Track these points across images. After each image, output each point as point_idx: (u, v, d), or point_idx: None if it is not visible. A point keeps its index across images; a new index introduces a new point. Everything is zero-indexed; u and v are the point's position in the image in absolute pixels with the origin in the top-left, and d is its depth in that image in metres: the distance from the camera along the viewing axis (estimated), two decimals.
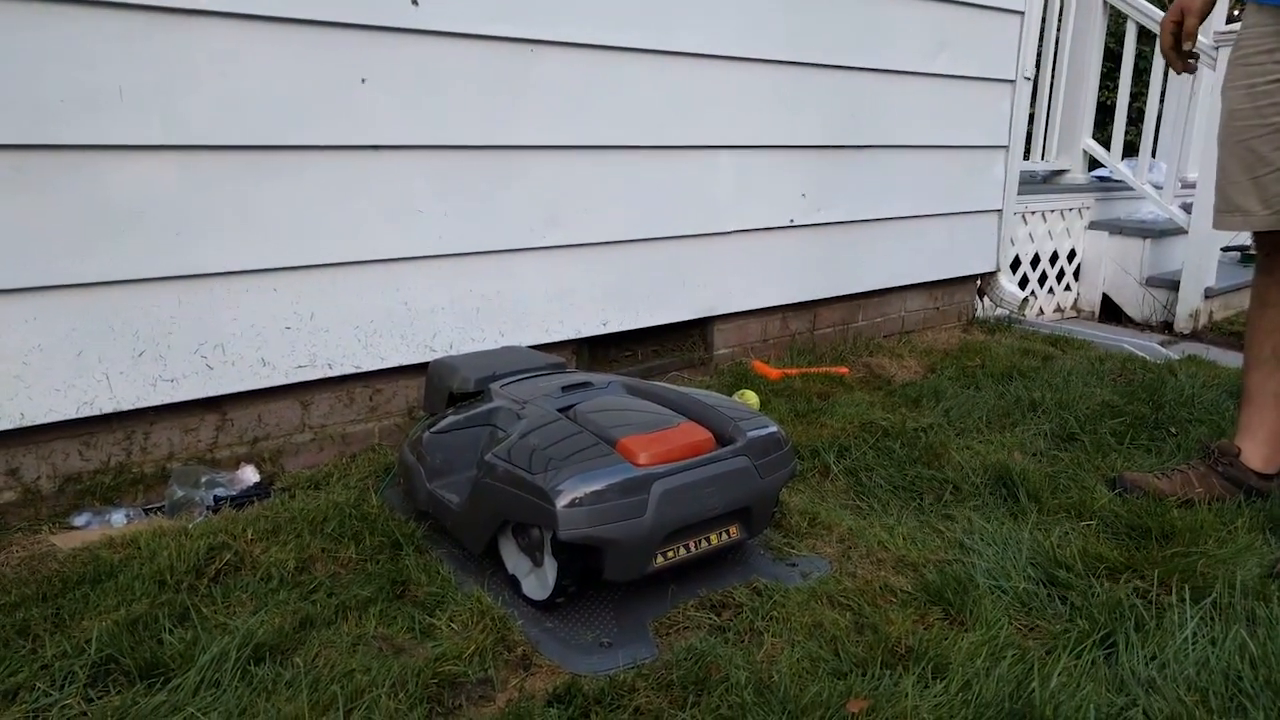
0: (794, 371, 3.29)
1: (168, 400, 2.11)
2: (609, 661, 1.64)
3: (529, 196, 2.60)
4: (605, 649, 1.68)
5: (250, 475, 2.23)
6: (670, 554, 1.74)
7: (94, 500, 2.09)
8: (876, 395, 3.14)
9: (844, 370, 3.38)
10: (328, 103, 2.20)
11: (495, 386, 2.11)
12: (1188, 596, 1.80)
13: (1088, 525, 2.17)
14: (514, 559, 1.85)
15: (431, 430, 2.04)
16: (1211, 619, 1.75)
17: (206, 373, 2.15)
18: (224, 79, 2.04)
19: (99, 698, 1.48)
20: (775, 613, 1.75)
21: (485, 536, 1.84)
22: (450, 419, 2.06)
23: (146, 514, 2.09)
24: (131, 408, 2.06)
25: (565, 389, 2.05)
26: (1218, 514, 2.21)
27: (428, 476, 2.00)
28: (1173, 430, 2.82)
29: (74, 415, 1.99)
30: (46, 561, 1.87)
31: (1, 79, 1.80)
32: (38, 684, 1.48)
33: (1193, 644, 1.66)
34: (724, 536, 1.83)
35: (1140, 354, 3.80)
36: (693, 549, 1.78)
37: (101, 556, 1.87)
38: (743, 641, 1.69)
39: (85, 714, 1.44)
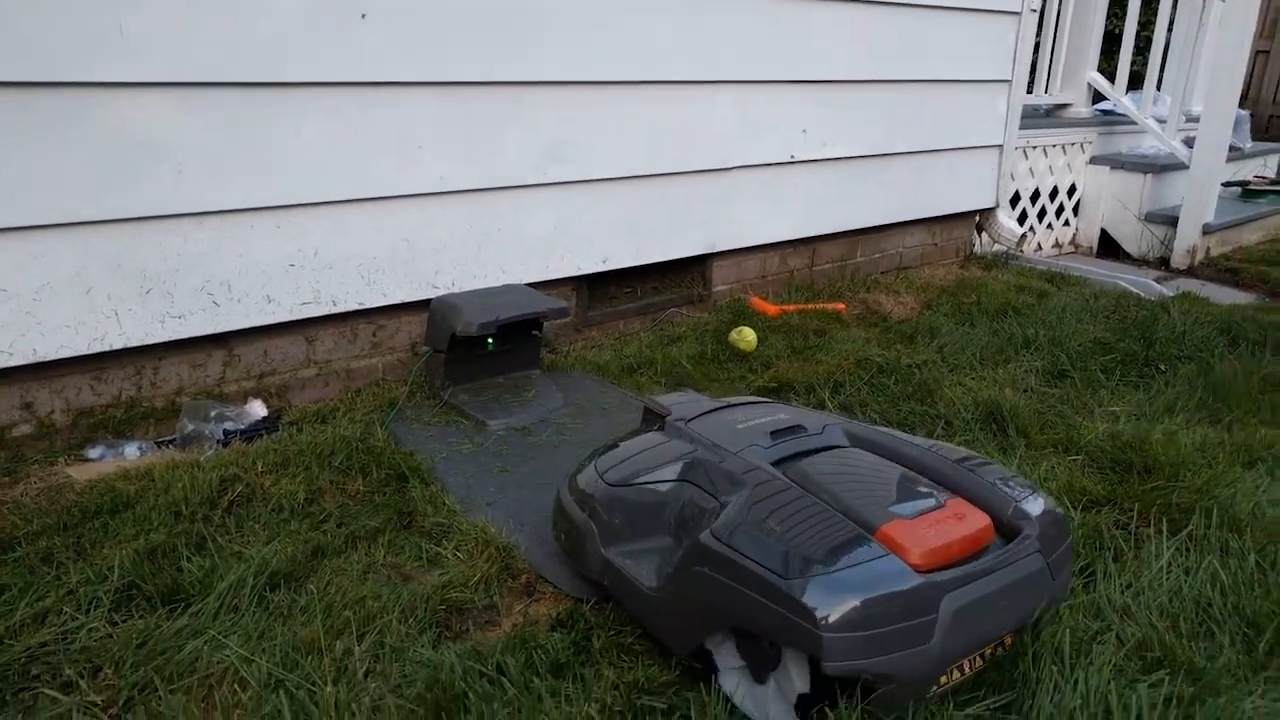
0: (792, 308, 3.33)
1: (176, 336, 2.15)
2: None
3: (531, 133, 2.61)
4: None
5: (258, 409, 2.29)
6: (944, 680, 1.31)
7: (106, 434, 2.15)
8: (872, 332, 3.18)
9: (841, 307, 3.42)
10: (329, 39, 2.19)
11: (680, 422, 1.71)
12: (1165, 529, 1.87)
13: (1074, 460, 2.24)
14: (728, 661, 1.41)
15: (607, 480, 1.63)
16: (1187, 550, 1.82)
17: (213, 309, 2.18)
18: (225, 14, 2.03)
19: (123, 621, 1.55)
20: None
21: (695, 636, 1.42)
22: (630, 464, 1.64)
23: (159, 447, 2.15)
24: (140, 344, 2.11)
25: (774, 434, 1.62)
26: (1200, 448, 2.27)
27: (603, 540, 1.59)
28: (1161, 367, 2.87)
29: (85, 351, 2.03)
30: (65, 493, 1.93)
31: (3, 16, 1.80)
32: (65, 608, 1.56)
33: (1167, 573, 1.73)
34: (999, 650, 1.40)
35: (1135, 290, 3.84)
36: (967, 670, 1.35)
37: (118, 488, 1.93)
38: None
39: (110, 636, 1.51)
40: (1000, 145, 4.18)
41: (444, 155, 2.45)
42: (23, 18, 1.81)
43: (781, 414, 1.71)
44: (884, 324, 3.28)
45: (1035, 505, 1.47)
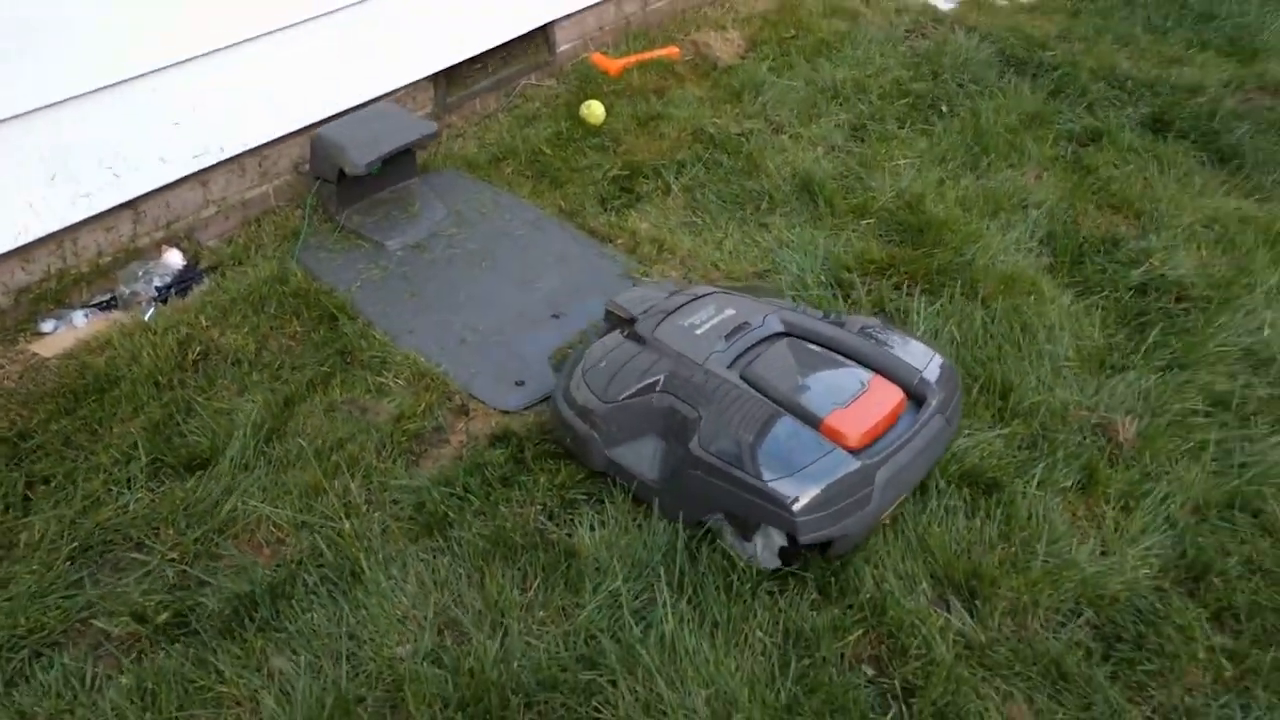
0: (632, 60, 3.58)
1: (89, 214, 2.34)
2: (525, 397, 2.26)
3: None
4: (520, 388, 2.30)
5: (176, 259, 2.55)
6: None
7: (47, 305, 2.40)
8: (704, 87, 3.52)
9: (675, 52, 3.69)
10: None
11: (648, 331, 2.02)
12: (930, 288, 2.53)
13: (868, 224, 2.82)
14: (722, 527, 1.88)
15: (604, 399, 1.95)
16: (944, 313, 2.48)
17: (115, 181, 2.36)
18: None
19: (159, 489, 2.00)
20: None
21: (694, 515, 1.88)
22: (618, 380, 1.96)
23: (101, 310, 2.43)
24: (61, 227, 2.30)
25: (728, 337, 1.98)
26: (960, 202, 2.89)
27: (605, 444, 1.96)
28: (944, 109, 3.40)
29: (13, 246, 2.23)
30: (42, 373, 2.25)
31: None
32: (111, 487, 1.99)
33: (926, 322, 2.40)
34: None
35: (934, 3, 4.22)
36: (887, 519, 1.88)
37: (89, 363, 2.26)
38: None
39: (155, 503, 1.97)
40: None
41: None
42: None
43: (729, 310, 2.07)
44: (714, 74, 3.61)
45: (934, 370, 1.92)
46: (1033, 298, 2.53)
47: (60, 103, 2.17)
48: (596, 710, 1.63)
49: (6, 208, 2.18)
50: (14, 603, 1.76)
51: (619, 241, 2.77)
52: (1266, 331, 2.46)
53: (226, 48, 2.43)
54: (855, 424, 1.79)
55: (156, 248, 2.56)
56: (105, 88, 2.23)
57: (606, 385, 1.96)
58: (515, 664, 1.69)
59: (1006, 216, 2.86)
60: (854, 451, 1.76)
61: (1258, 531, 2.00)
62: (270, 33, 2.52)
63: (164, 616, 1.76)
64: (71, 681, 1.65)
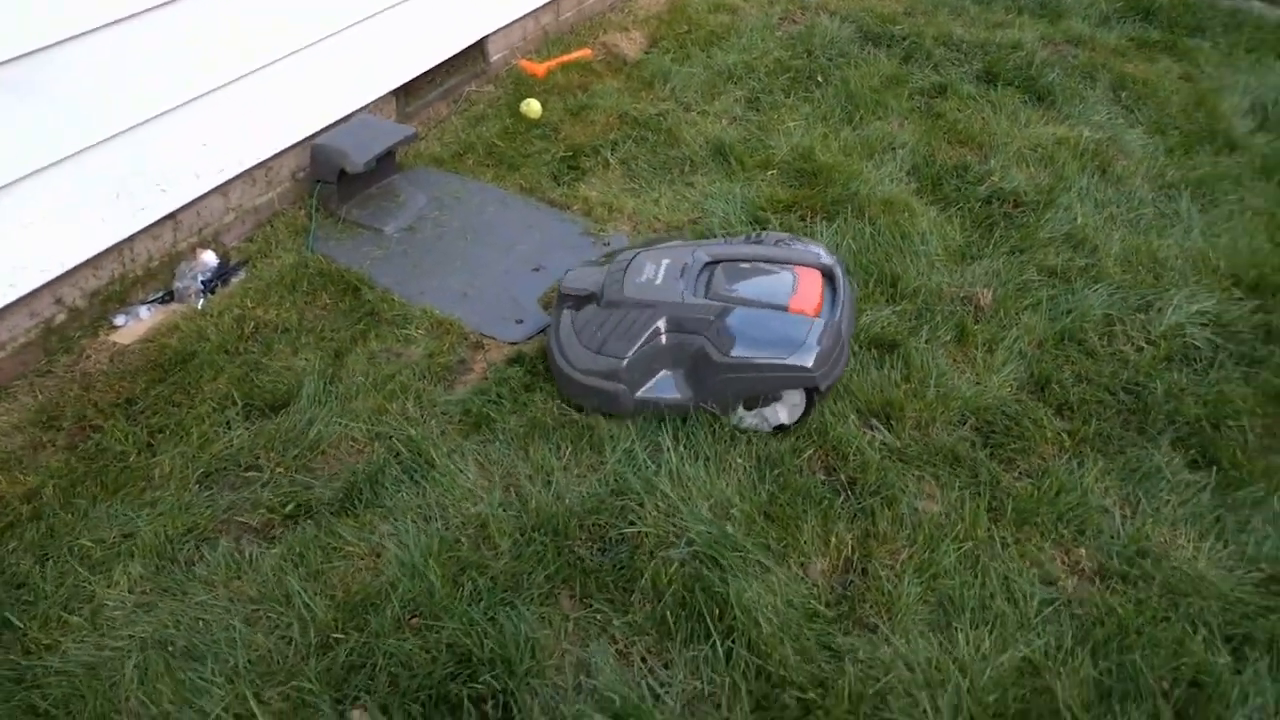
0: (553, 64, 4.19)
1: (144, 225, 2.82)
2: (526, 330, 2.84)
3: None
4: (520, 324, 2.87)
5: (211, 258, 3.03)
6: None
7: (113, 304, 2.86)
8: (620, 80, 4.15)
9: (589, 52, 4.31)
10: None
11: (618, 295, 2.46)
12: (828, 215, 3.21)
13: (773, 174, 3.50)
14: (741, 410, 2.44)
15: (624, 357, 2.38)
16: (841, 231, 3.16)
17: (163, 196, 2.84)
18: None
19: (254, 426, 2.51)
20: None
21: (726, 409, 2.43)
22: (626, 337, 2.39)
23: (161, 304, 2.90)
24: (125, 237, 2.77)
25: (680, 277, 2.47)
26: (844, 150, 3.60)
27: (632, 390, 2.41)
28: (820, 80, 4.11)
29: (93, 254, 2.70)
30: (125, 356, 2.72)
31: None
32: (215, 429, 2.48)
33: (828, 239, 3.07)
34: None
35: None
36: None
37: (165, 344, 2.73)
38: None
39: (254, 436, 2.48)
40: None
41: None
42: None
43: (664, 260, 2.54)
44: (626, 69, 4.24)
45: (830, 258, 2.56)
46: (907, 214, 3.24)
47: (126, 130, 2.65)
48: (631, 522, 2.23)
49: (88, 222, 2.65)
50: (167, 514, 2.26)
51: (575, 208, 3.37)
52: (1079, 220, 3.24)
53: (243, 76, 2.93)
54: (807, 302, 2.41)
55: (192, 250, 3.03)
56: (157, 116, 2.71)
57: (618, 345, 2.40)
58: (567, 500, 2.27)
59: (879, 157, 3.58)
60: (817, 318, 2.38)
61: (1081, 354, 2.74)
62: (275, 61, 3.02)
63: (290, 508, 2.28)
64: (234, 556, 2.17)
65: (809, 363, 2.31)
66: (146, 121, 2.71)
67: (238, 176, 3.09)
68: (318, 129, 3.29)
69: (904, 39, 4.42)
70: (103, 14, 2.48)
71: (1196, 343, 2.76)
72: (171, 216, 2.94)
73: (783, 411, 2.45)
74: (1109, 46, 4.47)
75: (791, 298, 2.42)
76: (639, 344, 2.41)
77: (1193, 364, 2.72)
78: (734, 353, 2.34)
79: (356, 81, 3.40)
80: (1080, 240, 3.16)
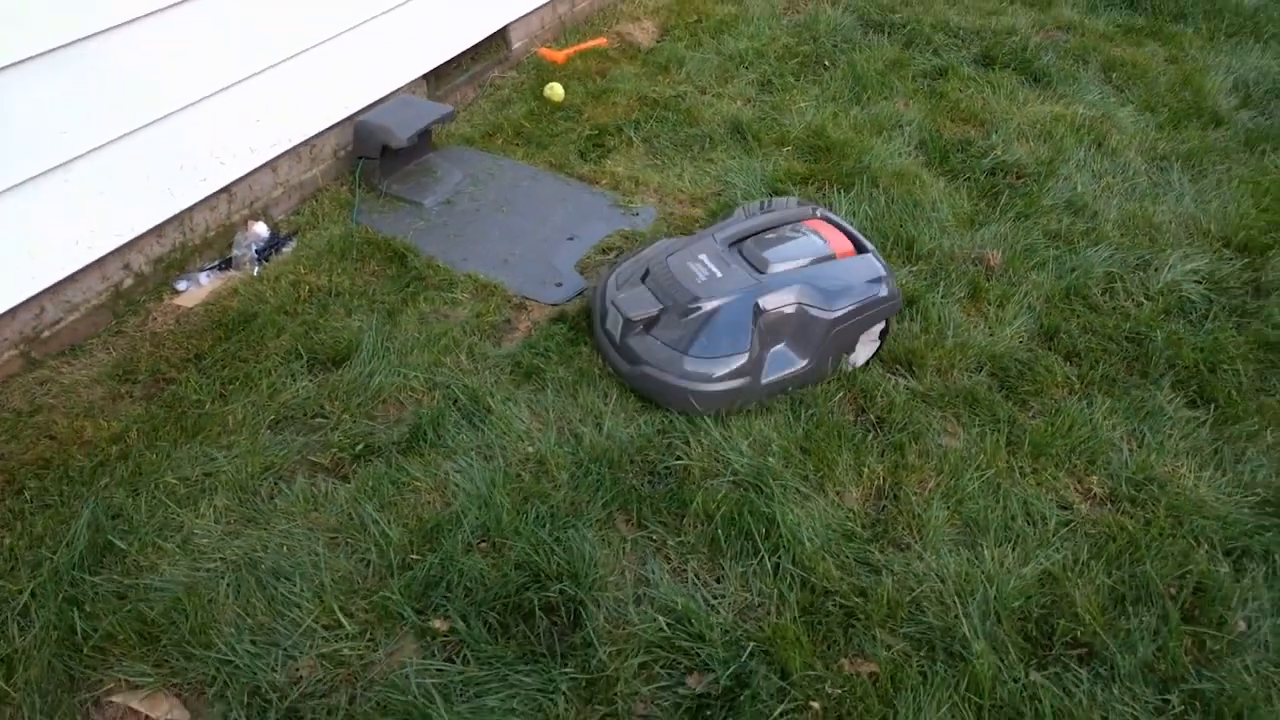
0: (571, 51, 4.37)
1: (203, 195, 2.98)
2: (566, 293, 3.02)
3: None
4: (559, 287, 3.05)
5: (263, 229, 3.19)
6: None
7: (175, 271, 3.02)
8: (636, 65, 4.34)
9: (604, 41, 4.50)
10: None
11: (688, 302, 2.52)
12: (844, 186, 3.40)
13: (789, 150, 3.69)
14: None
15: (747, 353, 2.47)
16: (857, 199, 3.36)
17: (221, 168, 3.00)
18: None
19: (318, 378, 2.67)
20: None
21: (835, 362, 2.62)
22: (725, 339, 2.48)
23: (218, 270, 3.06)
24: (186, 206, 2.94)
25: (732, 266, 2.59)
26: (854, 127, 3.80)
27: (756, 381, 2.50)
28: (827, 64, 4.32)
29: (159, 221, 2.86)
30: (190, 318, 2.87)
31: None
32: (283, 380, 2.64)
33: (847, 206, 3.27)
34: None
35: None
36: None
37: (228, 306, 2.89)
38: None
39: (319, 387, 2.64)
40: None
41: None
42: None
43: (699, 255, 2.63)
44: (641, 55, 4.43)
45: (808, 206, 2.85)
46: (918, 184, 3.44)
47: (193, 104, 2.81)
48: (678, 456, 2.41)
49: (156, 191, 2.81)
50: (245, 455, 2.42)
51: (603, 182, 3.55)
52: (1079, 189, 3.45)
53: (292, 56, 3.10)
54: (842, 245, 2.68)
55: (244, 222, 3.19)
56: (219, 91, 2.88)
57: (732, 342, 2.48)
58: (617, 438, 2.45)
59: (888, 133, 3.78)
60: (860, 254, 2.67)
61: (1086, 308, 2.94)
62: (320, 43, 3.19)
63: (359, 448, 2.45)
64: (310, 491, 2.33)
65: (894, 289, 2.60)
66: (211, 95, 2.87)
67: (286, 152, 3.25)
68: (356, 110, 3.45)
69: (904, 26, 4.63)
70: None
71: (1192, 297, 2.97)
72: (226, 189, 3.10)
73: (864, 352, 2.69)
74: (1098, 32, 4.70)
75: (831, 245, 2.63)
76: (748, 337, 2.49)
77: (1189, 316, 2.93)
78: (833, 309, 2.50)
79: (392, 65, 3.57)
80: (1080, 207, 3.36)
